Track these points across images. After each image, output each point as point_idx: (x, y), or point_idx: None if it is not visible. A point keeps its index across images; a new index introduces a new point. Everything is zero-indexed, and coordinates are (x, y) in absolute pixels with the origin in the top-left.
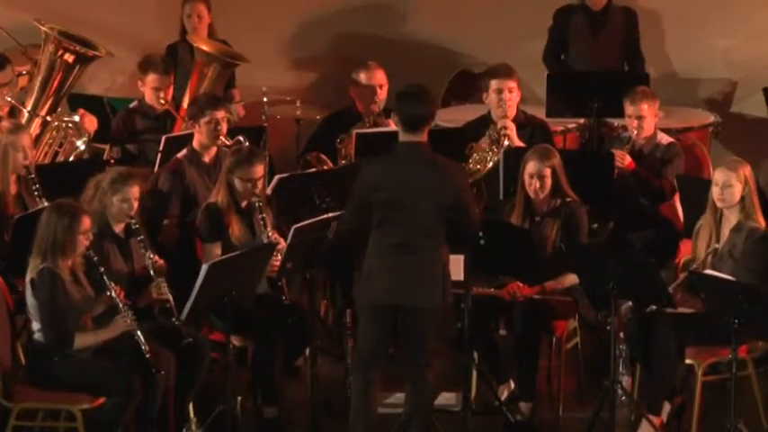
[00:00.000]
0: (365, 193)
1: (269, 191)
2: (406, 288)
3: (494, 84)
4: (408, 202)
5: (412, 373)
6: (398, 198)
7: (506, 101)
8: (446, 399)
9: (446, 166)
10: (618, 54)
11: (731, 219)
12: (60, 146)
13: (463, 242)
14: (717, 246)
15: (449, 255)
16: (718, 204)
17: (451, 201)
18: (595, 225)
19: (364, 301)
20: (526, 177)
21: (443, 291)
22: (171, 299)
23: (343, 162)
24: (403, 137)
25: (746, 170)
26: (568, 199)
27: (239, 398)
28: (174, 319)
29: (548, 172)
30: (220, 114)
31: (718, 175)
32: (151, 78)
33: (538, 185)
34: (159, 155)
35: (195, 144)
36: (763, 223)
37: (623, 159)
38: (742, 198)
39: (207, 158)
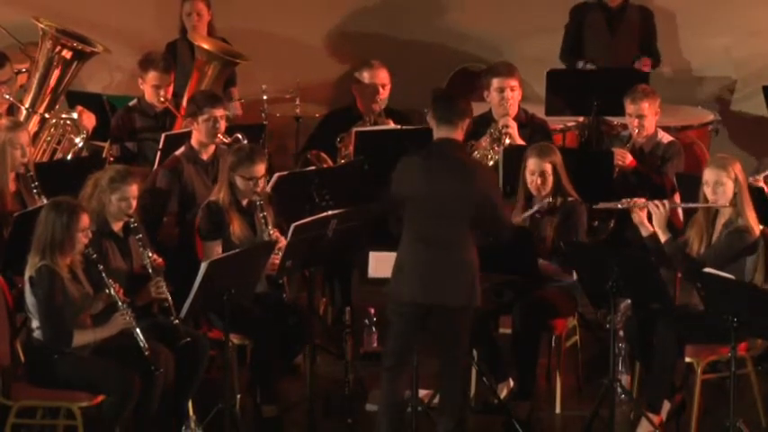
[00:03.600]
0: (396, 186)
1: (268, 189)
2: (434, 286)
3: (495, 82)
4: (438, 198)
5: (446, 366)
6: (429, 194)
7: (508, 99)
8: None
9: (476, 165)
10: (634, 52)
11: (725, 213)
12: (59, 143)
13: (488, 240)
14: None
15: (476, 255)
16: (713, 204)
17: (479, 200)
18: (596, 223)
19: (394, 298)
20: (527, 175)
21: (471, 291)
22: (169, 298)
23: (343, 161)
24: (437, 133)
25: (736, 167)
26: (570, 198)
27: (238, 396)
28: (172, 318)
29: (548, 168)
30: (219, 112)
31: (708, 175)
32: (151, 76)
33: (540, 182)
34: (159, 153)
35: (193, 142)
36: (752, 220)
37: (624, 158)
38: (734, 195)
39: (205, 156)
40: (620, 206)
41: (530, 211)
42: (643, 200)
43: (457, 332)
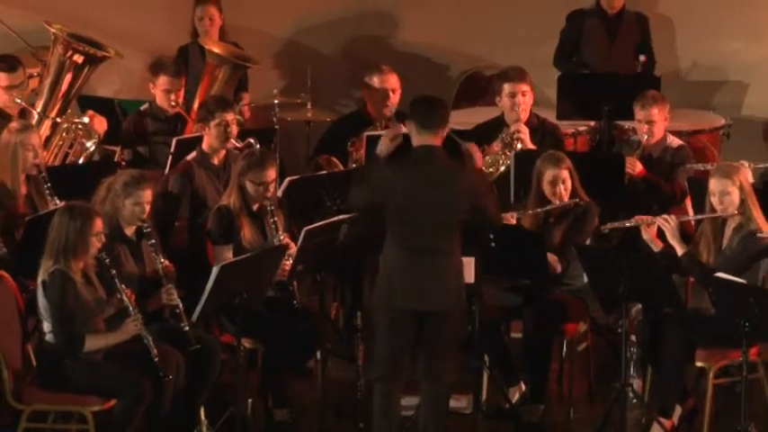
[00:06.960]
0: (378, 196)
1: (279, 193)
2: (425, 291)
3: (507, 87)
4: (424, 205)
5: (430, 376)
6: (414, 202)
7: (520, 104)
8: (457, 401)
9: (461, 169)
10: (633, 58)
11: (734, 219)
12: (70, 147)
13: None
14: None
15: (461, 258)
16: (721, 213)
17: (468, 204)
18: (606, 230)
19: (384, 306)
20: (546, 186)
21: (457, 294)
22: (180, 304)
23: (354, 165)
24: (417, 140)
25: (741, 174)
26: (581, 202)
27: (250, 400)
28: (183, 325)
29: (566, 174)
30: (230, 117)
31: (713, 185)
32: (162, 81)
33: (563, 189)
34: (170, 157)
35: (204, 146)
36: (762, 224)
37: (633, 167)
38: (741, 201)
39: (216, 161)
40: (627, 224)
41: (547, 207)
42: (650, 217)
43: (444, 336)
